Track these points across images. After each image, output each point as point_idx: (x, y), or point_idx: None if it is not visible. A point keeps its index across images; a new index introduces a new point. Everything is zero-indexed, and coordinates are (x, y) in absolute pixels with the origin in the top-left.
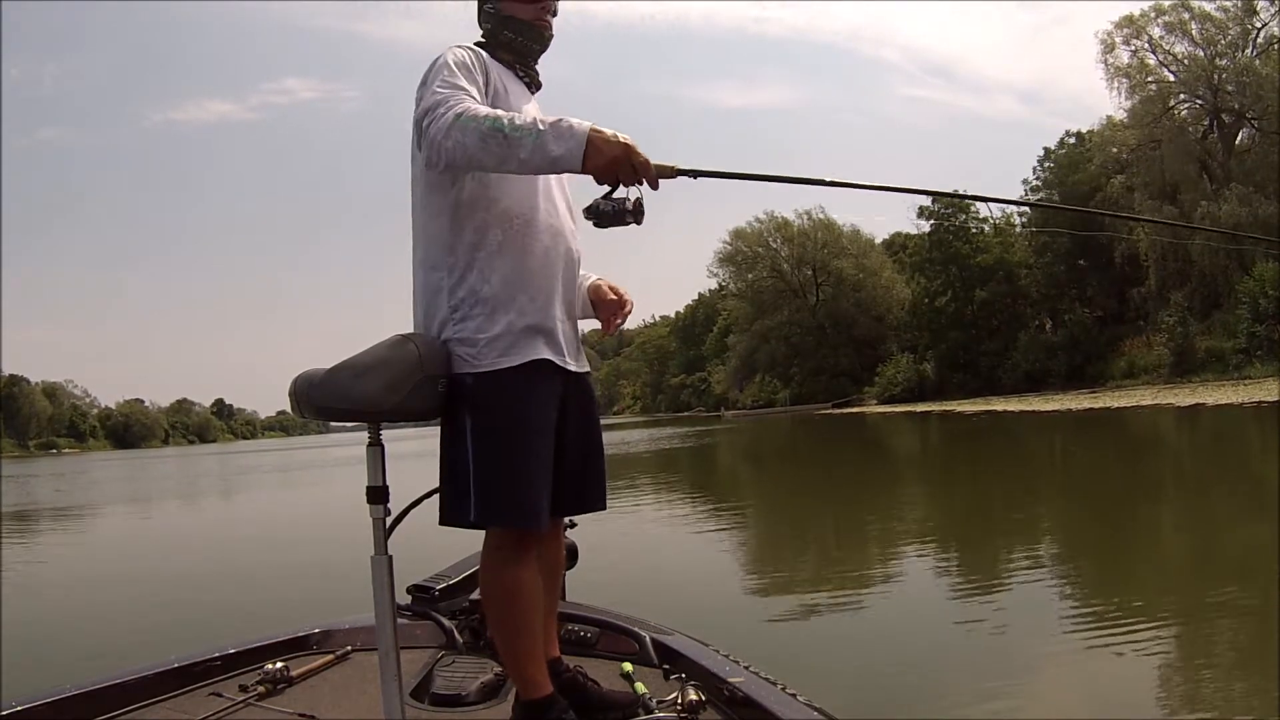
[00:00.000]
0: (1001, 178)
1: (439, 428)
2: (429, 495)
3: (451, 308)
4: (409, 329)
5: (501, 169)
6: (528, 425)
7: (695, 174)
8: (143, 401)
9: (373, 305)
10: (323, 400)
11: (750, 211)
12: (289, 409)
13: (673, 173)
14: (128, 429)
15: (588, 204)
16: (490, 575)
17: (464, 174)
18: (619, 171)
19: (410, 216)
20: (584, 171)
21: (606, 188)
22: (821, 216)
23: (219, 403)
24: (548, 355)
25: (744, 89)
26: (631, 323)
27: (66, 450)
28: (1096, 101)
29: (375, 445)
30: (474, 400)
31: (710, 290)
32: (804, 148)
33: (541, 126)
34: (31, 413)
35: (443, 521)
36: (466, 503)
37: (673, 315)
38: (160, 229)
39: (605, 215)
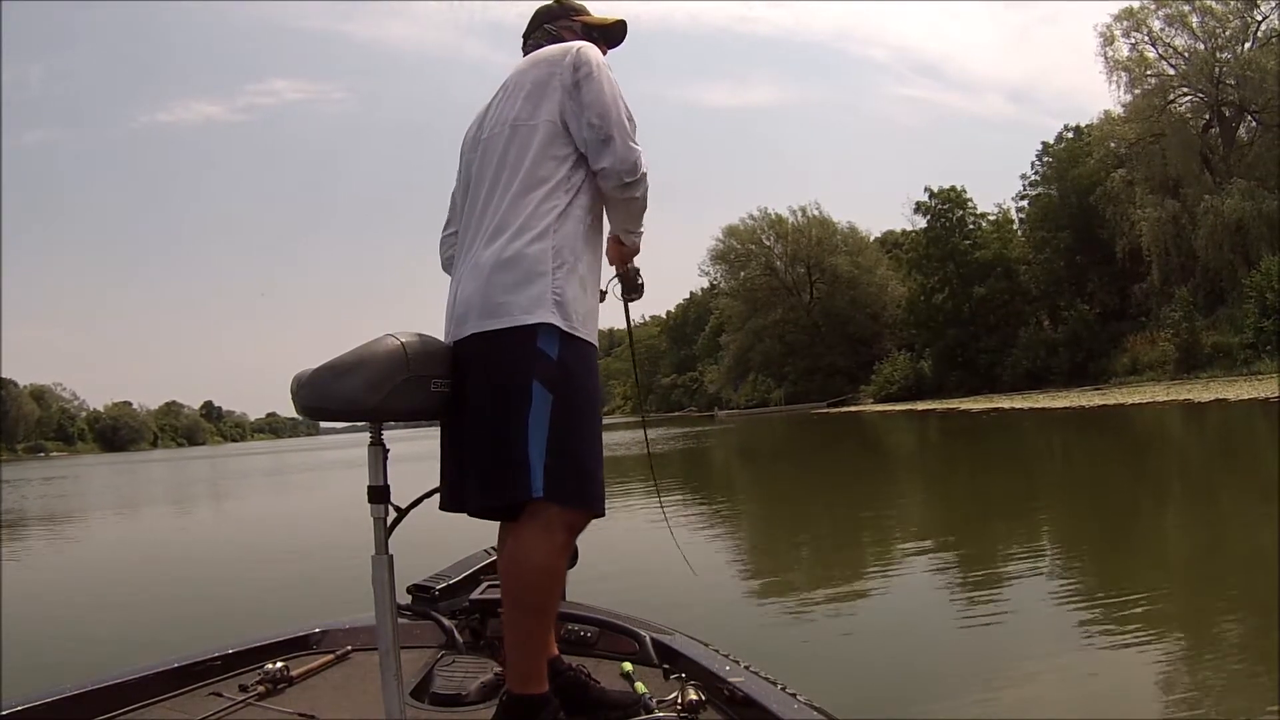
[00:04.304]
0: (993, 176)
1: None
2: (430, 494)
3: (555, 264)
4: (402, 328)
5: (630, 220)
6: (598, 406)
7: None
8: (131, 404)
9: (365, 304)
10: (307, 400)
11: (743, 209)
12: (280, 410)
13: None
14: (116, 431)
15: (631, 274)
16: (538, 556)
17: (584, 160)
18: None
19: (483, 175)
20: (634, 253)
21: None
22: (817, 213)
23: (208, 405)
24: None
25: (733, 89)
26: (623, 323)
27: (55, 453)
28: (1086, 100)
29: (376, 445)
30: (558, 368)
31: (702, 289)
32: (795, 147)
33: None
34: (19, 415)
35: (477, 498)
36: (525, 474)
37: (663, 315)
38: (149, 231)
39: (638, 288)
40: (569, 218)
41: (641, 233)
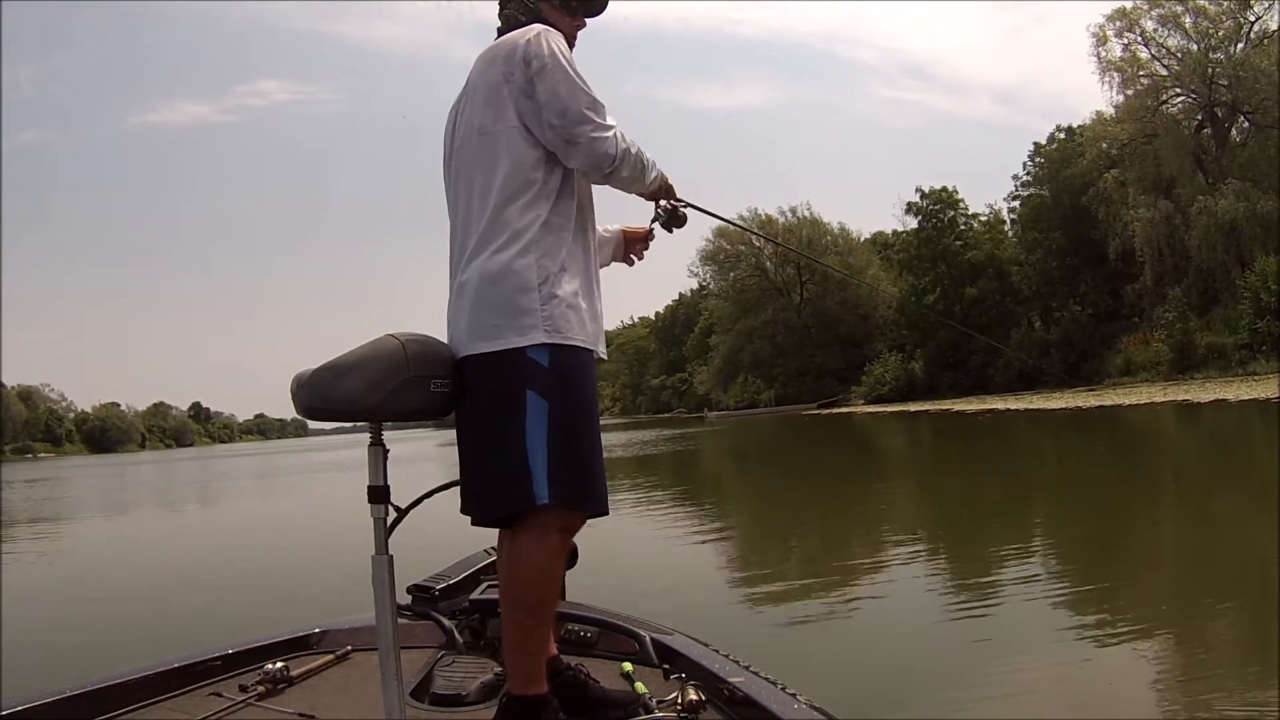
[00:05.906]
0: (984, 177)
1: (439, 427)
2: (430, 494)
3: (541, 278)
4: (396, 329)
5: (628, 188)
6: (596, 409)
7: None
8: (119, 405)
9: (356, 306)
10: (307, 400)
11: (733, 209)
12: (268, 411)
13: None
14: (104, 433)
15: (660, 214)
16: (539, 558)
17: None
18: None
19: (460, 187)
20: (669, 190)
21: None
22: (807, 214)
23: (196, 406)
24: (601, 355)
25: (722, 90)
26: (611, 323)
27: (42, 455)
28: (1076, 101)
29: (376, 445)
30: (552, 375)
31: (691, 290)
32: (785, 148)
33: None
34: (6, 417)
35: (484, 510)
36: (528, 483)
37: (652, 316)
38: (137, 232)
39: (679, 218)
40: (552, 225)
41: (654, 180)
